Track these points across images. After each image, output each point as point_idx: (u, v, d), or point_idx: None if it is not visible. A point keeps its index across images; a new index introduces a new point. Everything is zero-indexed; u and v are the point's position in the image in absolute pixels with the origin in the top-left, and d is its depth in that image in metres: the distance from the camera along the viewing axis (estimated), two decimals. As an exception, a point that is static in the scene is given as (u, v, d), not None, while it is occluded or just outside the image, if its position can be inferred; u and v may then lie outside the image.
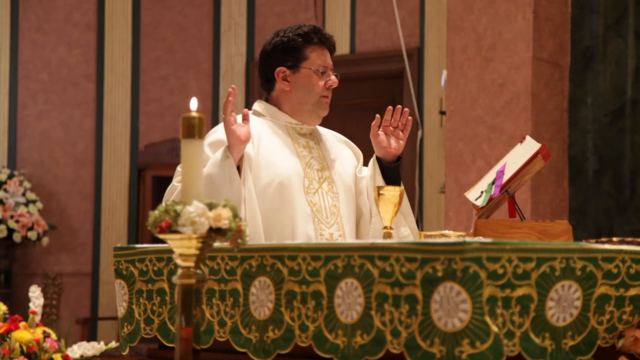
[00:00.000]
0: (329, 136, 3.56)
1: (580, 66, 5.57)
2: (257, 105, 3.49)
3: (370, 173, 3.45)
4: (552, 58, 5.57)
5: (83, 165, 7.56)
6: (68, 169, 7.55)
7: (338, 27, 7.24)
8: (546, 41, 5.53)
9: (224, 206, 2.16)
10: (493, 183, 3.10)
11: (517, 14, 5.49)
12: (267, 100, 3.48)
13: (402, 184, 3.44)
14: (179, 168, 3.30)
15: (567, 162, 5.60)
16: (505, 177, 3.09)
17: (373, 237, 3.38)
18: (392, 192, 3.04)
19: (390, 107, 3.41)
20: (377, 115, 3.40)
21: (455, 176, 5.61)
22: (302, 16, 7.31)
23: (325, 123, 3.57)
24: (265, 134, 3.37)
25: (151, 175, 7.60)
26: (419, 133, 6.84)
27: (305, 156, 3.40)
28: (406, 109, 3.42)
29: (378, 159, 3.43)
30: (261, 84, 3.50)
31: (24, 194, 7.22)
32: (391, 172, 3.42)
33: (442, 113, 6.54)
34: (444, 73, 6.01)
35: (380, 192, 3.04)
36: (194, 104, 2.25)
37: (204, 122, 2.19)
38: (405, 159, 6.99)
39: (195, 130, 2.17)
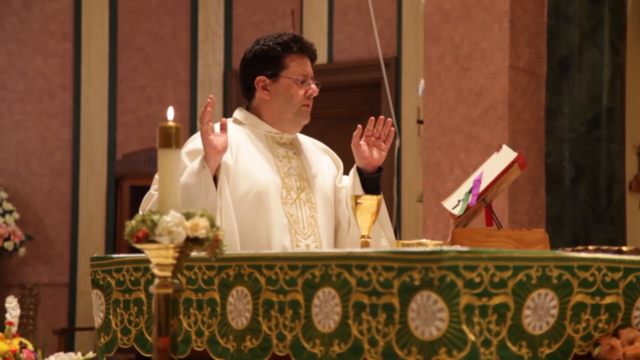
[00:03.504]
0: (310, 145, 3.54)
1: (556, 75, 5.60)
2: (238, 114, 3.47)
3: (350, 183, 3.44)
4: (528, 67, 5.59)
5: (60, 175, 7.53)
6: (45, 179, 7.51)
7: (316, 37, 7.25)
8: (522, 51, 5.56)
9: (201, 216, 2.16)
10: (470, 192, 3.11)
11: (494, 23, 5.51)
12: (247, 109, 3.46)
13: (381, 194, 3.43)
14: (157, 176, 3.28)
15: (544, 171, 5.62)
16: (482, 186, 3.10)
17: (351, 247, 3.37)
18: (370, 201, 3.04)
19: (372, 118, 3.39)
20: (359, 126, 3.39)
21: (433, 185, 5.62)
22: (279, 25, 7.31)
23: (305, 133, 3.57)
24: (244, 143, 3.36)
25: (129, 185, 7.57)
26: (397, 142, 6.85)
27: (283, 166, 3.38)
28: (389, 120, 3.40)
29: (359, 169, 3.42)
30: (242, 92, 3.48)
31: (0, 205, 7.18)
32: (372, 182, 3.41)
33: (420, 122, 6.56)
34: (422, 82, 6.02)
35: (358, 201, 3.04)
36: (170, 113, 2.25)
37: (180, 131, 2.19)
38: (383, 168, 6.99)
39: (172, 139, 2.17)
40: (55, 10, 7.57)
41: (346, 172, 3.52)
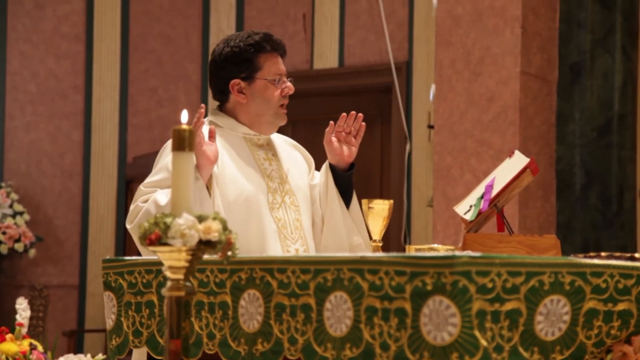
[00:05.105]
0: (281, 142, 3.49)
1: (567, 81, 5.60)
2: (214, 117, 3.38)
3: (322, 180, 3.40)
4: (540, 73, 5.59)
5: (71, 177, 7.55)
6: (55, 181, 7.53)
7: (327, 41, 7.25)
8: (534, 56, 5.56)
9: (214, 219, 2.16)
10: (482, 197, 3.11)
11: (505, 28, 5.51)
12: (221, 110, 3.39)
13: (354, 194, 3.40)
14: (142, 187, 3.22)
15: (555, 177, 5.61)
16: (494, 191, 3.09)
17: (324, 246, 3.34)
18: (382, 206, 3.04)
19: (344, 114, 3.35)
20: (331, 122, 3.35)
21: (443, 190, 5.62)
22: (290, 29, 7.32)
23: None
24: (226, 148, 3.30)
25: (139, 187, 7.57)
26: (408, 147, 6.85)
27: (266, 169, 3.34)
28: (360, 115, 3.36)
29: (331, 167, 3.38)
30: (213, 95, 3.41)
31: (11, 206, 7.20)
32: (344, 180, 3.37)
33: (431, 127, 6.56)
34: (432, 87, 6.02)
35: (370, 205, 3.04)
36: (184, 116, 2.25)
37: (194, 134, 2.20)
38: (393, 173, 7.00)
39: (185, 142, 2.18)
40: (68, 12, 7.59)
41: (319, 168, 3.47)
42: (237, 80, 3.31)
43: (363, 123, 3.35)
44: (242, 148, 3.34)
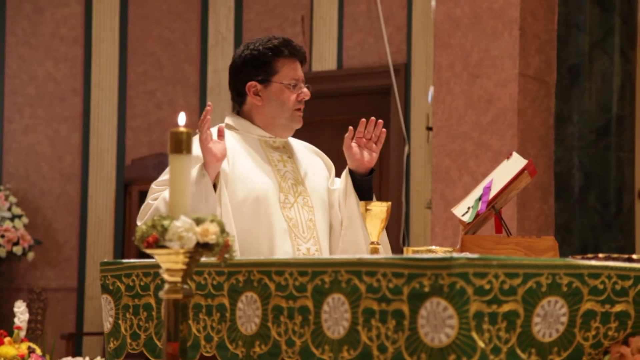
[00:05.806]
0: (301, 148, 3.53)
1: (566, 83, 5.60)
2: (230, 119, 3.44)
3: (342, 186, 3.42)
4: (538, 75, 5.59)
5: (69, 180, 7.54)
6: (54, 184, 7.53)
7: (325, 43, 7.25)
8: (532, 58, 5.56)
9: (212, 221, 2.16)
10: (480, 199, 3.11)
11: (504, 31, 5.51)
12: (238, 113, 3.44)
13: (374, 197, 3.42)
14: (153, 185, 3.26)
15: (553, 179, 5.61)
16: (492, 193, 3.10)
17: (342, 250, 3.36)
18: (380, 208, 3.04)
19: (363, 119, 3.37)
20: (350, 128, 3.37)
21: (442, 192, 5.62)
22: (289, 31, 7.32)
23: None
24: (239, 149, 3.34)
25: (137, 190, 7.58)
26: (406, 149, 6.85)
27: (279, 170, 3.37)
28: (380, 121, 3.38)
29: (351, 172, 3.40)
30: (232, 97, 3.46)
31: (9, 209, 7.19)
32: (363, 184, 3.39)
33: (429, 129, 6.56)
34: (431, 89, 6.03)
35: (368, 207, 3.04)
36: (182, 119, 2.25)
37: (191, 137, 2.20)
38: (392, 175, 7.01)
39: (183, 145, 2.18)
40: (67, 15, 7.59)
41: (340, 174, 3.50)
42: (253, 83, 3.35)
43: (384, 129, 3.36)
44: (256, 149, 3.38)
